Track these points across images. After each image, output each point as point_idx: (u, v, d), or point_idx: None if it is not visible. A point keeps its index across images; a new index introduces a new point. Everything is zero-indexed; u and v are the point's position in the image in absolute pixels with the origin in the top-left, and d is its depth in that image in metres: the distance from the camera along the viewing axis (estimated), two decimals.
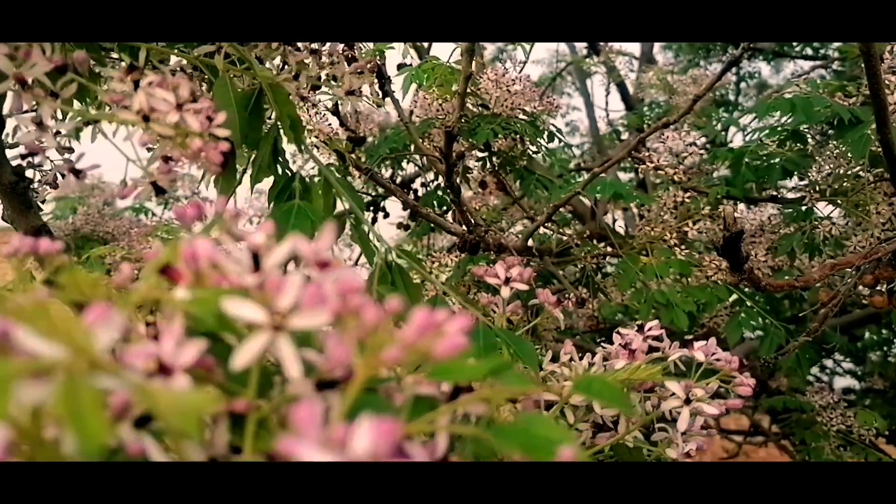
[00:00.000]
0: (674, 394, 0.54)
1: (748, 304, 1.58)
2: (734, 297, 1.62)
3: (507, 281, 0.63)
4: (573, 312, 1.72)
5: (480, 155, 1.84)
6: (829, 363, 2.92)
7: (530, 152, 1.93)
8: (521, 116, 1.73)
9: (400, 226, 2.65)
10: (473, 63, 1.07)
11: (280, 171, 0.61)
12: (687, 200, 1.61)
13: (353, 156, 1.26)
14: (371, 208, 2.66)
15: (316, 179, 0.65)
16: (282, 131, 0.62)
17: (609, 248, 1.62)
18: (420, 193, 2.37)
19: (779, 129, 1.54)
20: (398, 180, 2.39)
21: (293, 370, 0.27)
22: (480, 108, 1.77)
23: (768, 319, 1.58)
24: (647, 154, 1.64)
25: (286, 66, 0.65)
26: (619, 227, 2.52)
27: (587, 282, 1.65)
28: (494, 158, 1.87)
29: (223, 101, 0.60)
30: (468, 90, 1.56)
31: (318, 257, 0.30)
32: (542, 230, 1.74)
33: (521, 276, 0.63)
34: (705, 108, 2.73)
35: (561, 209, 1.79)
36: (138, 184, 0.50)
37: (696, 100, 1.29)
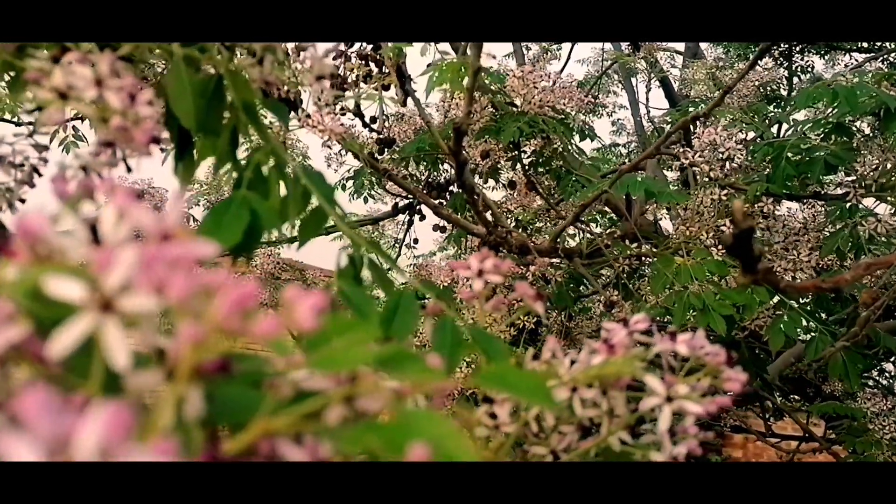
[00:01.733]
0: (654, 391, 0.49)
1: (793, 306, 1.50)
2: (776, 299, 1.54)
3: (481, 273, 0.58)
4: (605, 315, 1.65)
5: (510, 154, 1.80)
6: (890, 367, 2.79)
7: (564, 152, 1.88)
8: (550, 114, 1.68)
9: (436, 227, 2.62)
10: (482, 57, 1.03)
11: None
12: (724, 198, 1.54)
13: (365, 154, 1.23)
14: (407, 211, 2.64)
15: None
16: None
17: (642, 249, 1.55)
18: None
19: (822, 121, 1.46)
20: (435, 182, 2.36)
21: (119, 359, 0.23)
22: (509, 107, 1.73)
23: (812, 322, 1.50)
24: (681, 151, 1.57)
25: (248, 51, 0.62)
26: (667, 227, 2.44)
27: (620, 284, 1.58)
28: (524, 158, 1.82)
29: (178, 87, 0.57)
30: (495, 88, 1.53)
31: (161, 230, 0.26)
32: (571, 231, 1.69)
33: (496, 267, 0.58)
34: (754, 104, 2.63)
35: (602, 209, 1.73)
36: (72, 174, 0.47)
37: (726, 92, 1.23)
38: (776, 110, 2.83)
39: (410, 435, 0.25)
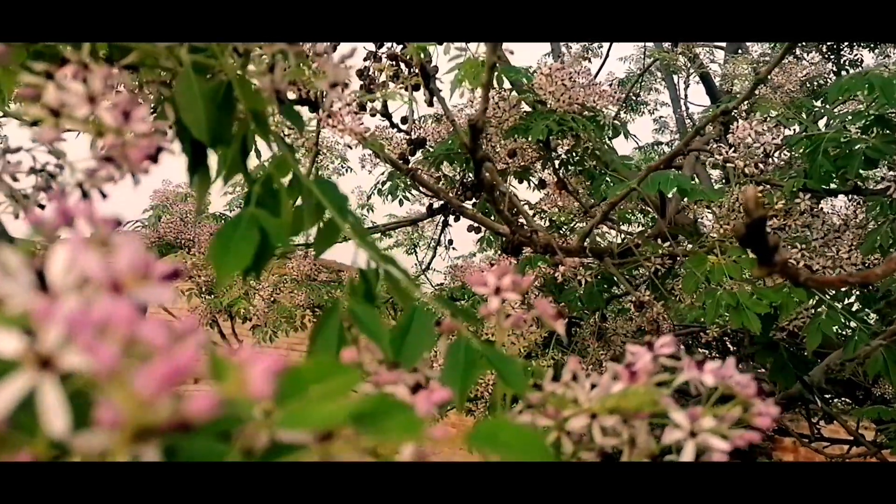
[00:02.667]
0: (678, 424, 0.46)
1: (831, 304, 1.45)
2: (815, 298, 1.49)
3: (498, 291, 0.55)
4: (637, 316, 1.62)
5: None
6: None
7: (596, 150, 1.84)
8: (580, 112, 1.64)
9: (470, 228, 2.59)
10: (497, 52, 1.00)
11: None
12: (760, 195, 1.49)
13: (387, 153, 1.21)
14: (441, 212, 2.61)
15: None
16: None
17: (676, 248, 1.51)
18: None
19: (863, 113, 1.41)
20: (470, 182, 2.33)
21: (55, 422, 0.21)
22: (539, 105, 1.70)
23: (854, 321, 1.44)
24: (715, 147, 1.53)
25: (260, 58, 0.59)
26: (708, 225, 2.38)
27: (652, 284, 1.54)
28: (555, 157, 1.78)
29: (188, 96, 0.55)
30: (526, 87, 1.49)
31: (111, 277, 0.24)
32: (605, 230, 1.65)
33: (515, 284, 0.56)
34: (797, 100, 2.56)
35: (644, 208, 1.69)
36: (67, 188, 0.45)
37: (756, 85, 1.18)
38: (824, 105, 2.75)
39: None
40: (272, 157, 0.56)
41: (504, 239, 1.29)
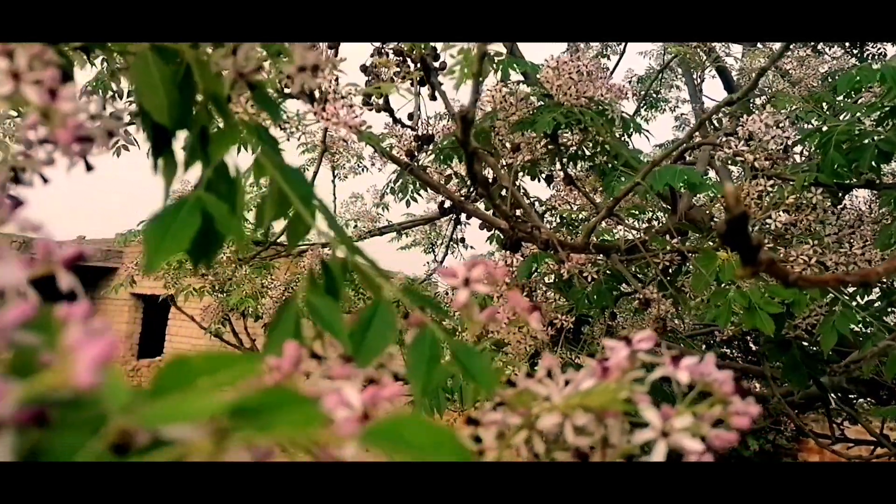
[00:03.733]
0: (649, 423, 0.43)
1: (846, 302, 1.40)
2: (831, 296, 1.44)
3: (467, 282, 0.52)
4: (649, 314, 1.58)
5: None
6: None
7: (605, 144, 1.81)
8: (587, 106, 1.61)
9: (482, 226, 2.56)
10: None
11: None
12: (770, 189, 1.45)
13: (383, 147, 1.18)
14: (454, 211, 2.58)
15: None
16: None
17: (683, 245, 1.47)
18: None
19: (877, 105, 1.36)
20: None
21: None
22: (544, 99, 1.66)
23: (870, 319, 1.40)
24: (724, 140, 1.49)
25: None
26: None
27: (659, 281, 1.50)
28: (563, 151, 1.75)
29: (146, 79, 0.53)
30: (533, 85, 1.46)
31: None
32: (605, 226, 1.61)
33: (486, 276, 0.53)
34: (817, 93, 2.50)
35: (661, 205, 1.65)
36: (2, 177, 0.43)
37: (760, 74, 1.14)
38: (845, 100, 2.68)
39: None
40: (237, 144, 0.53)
41: (503, 234, 1.26)
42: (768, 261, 0.73)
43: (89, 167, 0.51)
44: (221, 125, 0.55)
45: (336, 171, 3.21)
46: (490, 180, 1.91)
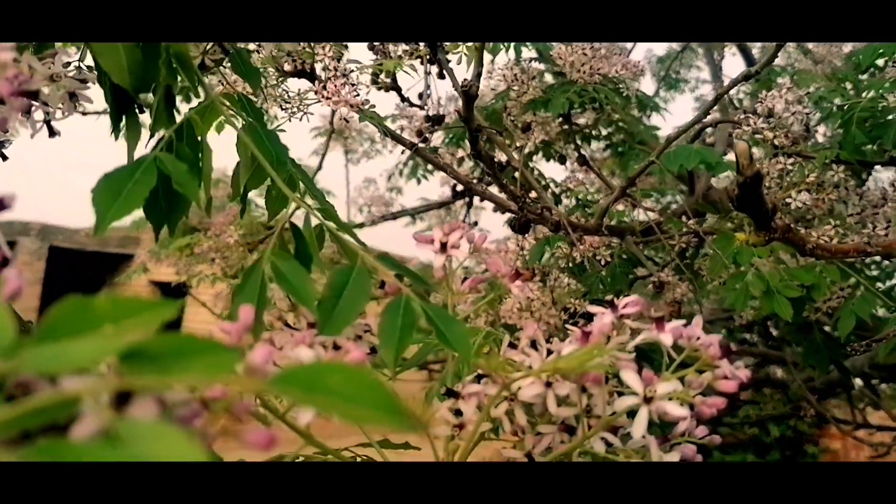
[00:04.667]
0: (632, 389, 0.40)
1: (868, 286, 1.35)
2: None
3: (444, 247, 0.50)
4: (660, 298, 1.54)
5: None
6: None
7: (620, 122, 1.77)
8: (602, 84, 1.57)
9: (496, 209, 2.52)
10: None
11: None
12: (791, 168, 1.40)
13: (385, 125, 1.16)
14: (466, 194, 2.55)
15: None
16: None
17: (699, 226, 1.44)
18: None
19: None
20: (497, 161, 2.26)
21: None
22: (557, 77, 1.63)
23: (892, 305, 1.35)
24: (743, 117, 1.44)
25: None
26: None
27: (674, 264, 1.47)
28: (576, 131, 1.71)
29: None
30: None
31: None
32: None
33: (464, 241, 0.50)
34: (840, 72, 2.43)
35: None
36: None
37: (779, 47, 1.10)
38: (871, 77, 2.61)
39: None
40: (199, 104, 0.51)
41: (512, 216, 1.23)
42: (784, 227, 0.70)
43: (52, 132, 0.49)
44: (193, 91, 0.53)
45: (349, 156, 3.18)
46: (503, 163, 1.88)
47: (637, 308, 0.46)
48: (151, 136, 0.50)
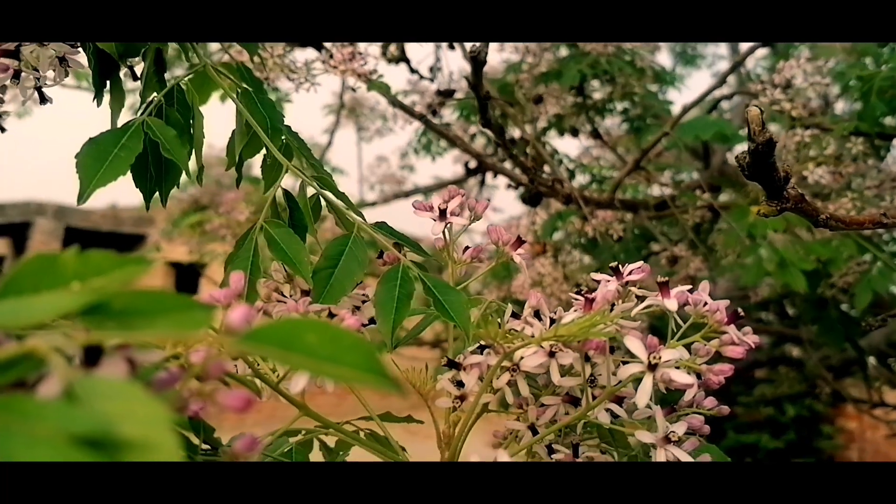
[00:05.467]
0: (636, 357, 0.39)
1: (885, 260, 1.33)
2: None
3: (443, 214, 0.48)
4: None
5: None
6: None
7: (633, 95, 1.74)
8: (616, 55, 1.55)
9: (509, 185, 2.50)
10: None
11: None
12: (808, 140, 1.38)
13: (393, 95, 1.14)
14: (479, 171, 2.53)
15: None
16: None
17: (714, 200, 1.41)
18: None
19: None
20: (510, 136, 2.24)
21: None
22: (571, 48, 1.61)
23: None
24: (760, 88, 1.42)
25: None
26: None
27: (688, 238, 1.45)
28: (590, 104, 1.69)
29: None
30: None
31: None
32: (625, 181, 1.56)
33: (463, 207, 0.49)
34: (860, 45, 2.38)
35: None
36: None
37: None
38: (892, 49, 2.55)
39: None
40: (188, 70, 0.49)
41: (522, 188, 1.21)
42: (797, 197, 0.67)
43: (43, 99, 0.48)
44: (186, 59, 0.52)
45: (361, 133, 3.16)
46: (515, 138, 1.86)
47: (643, 275, 0.45)
48: (142, 103, 0.49)
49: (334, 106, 2.67)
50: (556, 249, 1.66)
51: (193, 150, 0.47)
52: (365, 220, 0.48)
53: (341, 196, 0.50)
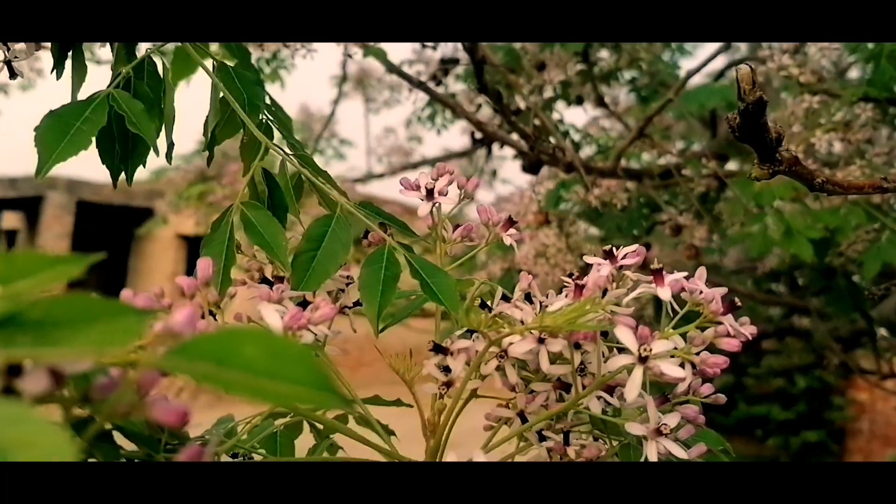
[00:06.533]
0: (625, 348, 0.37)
1: (895, 228, 1.30)
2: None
3: (430, 194, 0.46)
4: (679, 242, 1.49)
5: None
6: None
7: (640, 62, 1.71)
8: None
9: (516, 156, 2.47)
10: None
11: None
12: (817, 106, 1.34)
13: (390, 62, 1.11)
14: (484, 141, 2.50)
15: None
16: None
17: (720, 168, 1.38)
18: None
19: None
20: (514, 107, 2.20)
21: None
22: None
23: None
24: (768, 53, 1.38)
25: None
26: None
27: (693, 208, 1.42)
28: (597, 72, 1.66)
29: None
30: None
31: None
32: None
33: (452, 187, 0.47)
34: None
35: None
36: None
37: None
38: None
39: None
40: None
41: (522, 155, 1.18)
42: (791, 159, 0.64)
43: (13, 73, 0.46)
44: None
45: (368, 105, 3.13)
46: (520, 108, 1.82)
47: (638, 259, 0.43)
48: (114, 76, 0.46)
49: (344, 78, 2.64)
50: (560, 219, 1.64)
51: (165, 126, 0.45)
52: (349, 198, 0.46)
53: (323, 174, 0.48)
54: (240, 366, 0.18)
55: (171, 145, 0.47)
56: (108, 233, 8.01)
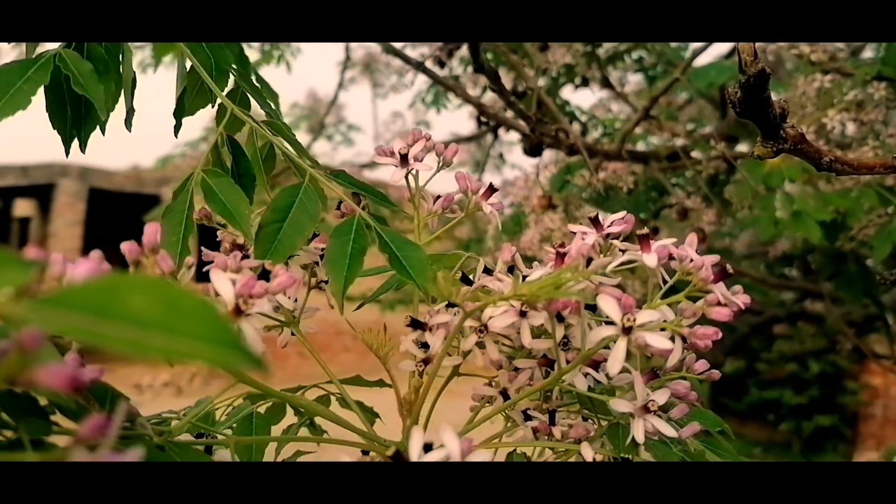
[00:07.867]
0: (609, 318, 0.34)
1: None
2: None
3: (405, 160, 0.44)
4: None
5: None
6: None
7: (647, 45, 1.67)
8: None
9: (521, 139, 2.44)
10: None
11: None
12: (829, 85, 1.31)
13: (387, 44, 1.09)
14: (489, 124, 2.47)
15: None
16: None
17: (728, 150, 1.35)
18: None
19: None
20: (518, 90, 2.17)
21: None
22: None
23: None
24: None
25: None
26: None
27: (700, 190, 1.39)
28: (603, 53, 1.62)
29: None
30: None
31: None
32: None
33: (429, 153, 0.44)
34: None
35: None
36: None
37: None
38: None
39: None
40: None
41: (524, 138, 1.16)
42: (796, 137, 0.61)
43: None
44: None
45: (376, 90, 3.10)
46: (523, 91, 1.79)
47: (625, 226, 0.40)
48: None
49: (350, 63, 2.62)
50: (566, 203, 1.61)
51: (122, 90, 0.42)
52: (320, 166, 0.44)
53: (296, 144, 0.45)
54: (125, 318, 0.16)
55: (130, 111, 0.44)
56: (121, 220, 8.04)
